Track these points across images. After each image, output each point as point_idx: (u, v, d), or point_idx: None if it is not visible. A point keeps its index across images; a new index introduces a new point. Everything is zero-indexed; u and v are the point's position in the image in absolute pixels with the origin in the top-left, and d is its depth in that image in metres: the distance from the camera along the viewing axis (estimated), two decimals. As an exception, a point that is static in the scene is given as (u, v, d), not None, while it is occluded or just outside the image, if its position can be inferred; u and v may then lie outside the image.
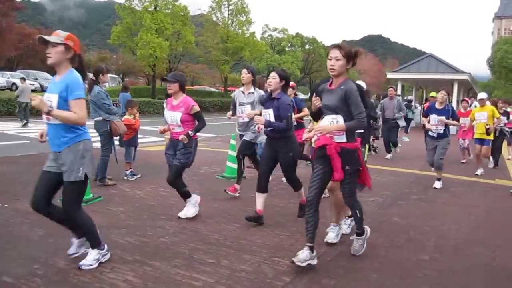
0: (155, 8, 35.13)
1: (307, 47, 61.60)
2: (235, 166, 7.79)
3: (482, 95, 10.60)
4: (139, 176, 7.55)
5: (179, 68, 42.86)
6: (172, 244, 4.37)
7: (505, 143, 12.67)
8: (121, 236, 4.53)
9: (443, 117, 7.67)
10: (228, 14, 44.28)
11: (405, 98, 17.13)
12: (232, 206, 5.96)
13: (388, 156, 11.65)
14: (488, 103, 10.91)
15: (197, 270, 3.75)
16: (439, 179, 7.99)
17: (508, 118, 11.48)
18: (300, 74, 58.32)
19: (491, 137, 9.86)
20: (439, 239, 4.99)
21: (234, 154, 7.79)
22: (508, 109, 12.66)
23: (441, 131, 7.77)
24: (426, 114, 8.14)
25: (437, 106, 7.89)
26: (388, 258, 4.32)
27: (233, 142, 7.89)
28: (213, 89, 52.76)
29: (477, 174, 9.58)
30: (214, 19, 44.82)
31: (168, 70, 38.34)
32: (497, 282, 3.88)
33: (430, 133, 7.92)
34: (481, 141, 9.83)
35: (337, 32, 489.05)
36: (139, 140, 8.24)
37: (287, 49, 58.79)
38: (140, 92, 35.67)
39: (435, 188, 7.83)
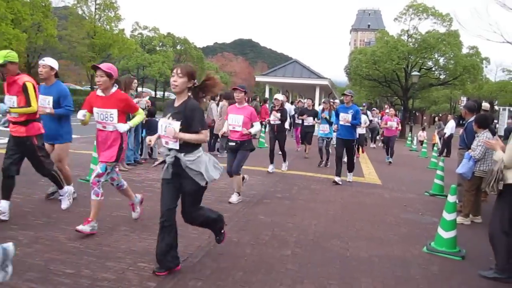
0: (11, -4, 31.87)
1: (178, 47, 61.21)
2: (100, 168, 7.43)
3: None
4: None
5: (40, 63, 39.42)
6: (25, 256, 3.98)
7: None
8: (-38, 251, 4.00)
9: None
10: (96, 9, 42.02)
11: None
12: (96, 211, 5.63)
13: None
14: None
15: (53, 283, 3.47)
16: None
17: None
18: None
19: None
20: (300, 234, 5.31)
21: (99, 156, 7.42)
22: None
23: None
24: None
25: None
26: (253, 255, 4.46)
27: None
28: (78, 87, 49.57)
29: None
30: (80, 12, 42.16)
31: (26, 65, 35.11)
32: (349, 271, 4.24)
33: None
34: None
35: (208, 34, 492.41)
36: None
37: (158, 48, 57.76)
38: (-8, 88, 32.07)
39: None
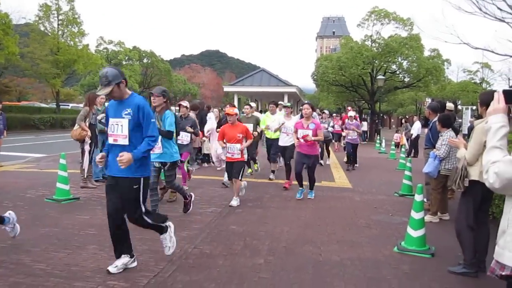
0: (-32, 15, 30.99)
1: (145, 60, 60.68)
2: (66, 187, 7.28)
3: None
4: None
5: (2, 82, 38.44)
6: (-12, 281, 3.84)
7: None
8: None
9: None
10: (58, 25, 41.16)
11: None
12: (62, 231, 5.47)
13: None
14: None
15: (18, 307, 3.35)
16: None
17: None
18: (139, 88, 57.11)
19: None
20: (273, 242, 5.30)
21: (65, 174, 7.26)
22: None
23: None
24: None
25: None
26: (225, 266, 4.42)
27: (63, 161, 7.29)
28: (43, 105, 48.47)
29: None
30: (42, 29, 41.25)
31: (-12, 84, 34.13)
32: (322, 275, 4.25)
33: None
34: None
35: (175, 47, 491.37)
36: None
37: (124, 62, 57.12)
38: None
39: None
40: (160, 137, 5.75)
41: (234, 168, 7.41)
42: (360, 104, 41.84)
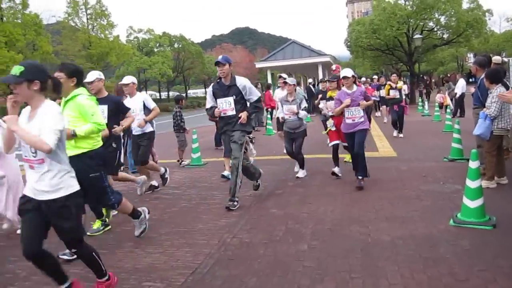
0: (1, 18, 31.78)
1: (176, 45, 60.76)
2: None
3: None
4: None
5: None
6: (22, 290, 3.71)
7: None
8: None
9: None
10: (87, 19, 41.80)
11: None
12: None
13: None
14: None
15: (51, 318, 3.19)
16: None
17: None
18: (173, 73, 57.41)
19: None
20: (316, 224, 4.96)
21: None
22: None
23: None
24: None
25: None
26: (267, 256, 4.12)
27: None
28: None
29: None
30: (72, 24, 41.96)
31: (27, 85, 35.14)
32: (372, 259, 3.89)
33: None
34: None
35: (204, 28, 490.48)
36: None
37: (155, 49, 57.45)
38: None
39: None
40: None
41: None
42: (398, 67, 40.37)
